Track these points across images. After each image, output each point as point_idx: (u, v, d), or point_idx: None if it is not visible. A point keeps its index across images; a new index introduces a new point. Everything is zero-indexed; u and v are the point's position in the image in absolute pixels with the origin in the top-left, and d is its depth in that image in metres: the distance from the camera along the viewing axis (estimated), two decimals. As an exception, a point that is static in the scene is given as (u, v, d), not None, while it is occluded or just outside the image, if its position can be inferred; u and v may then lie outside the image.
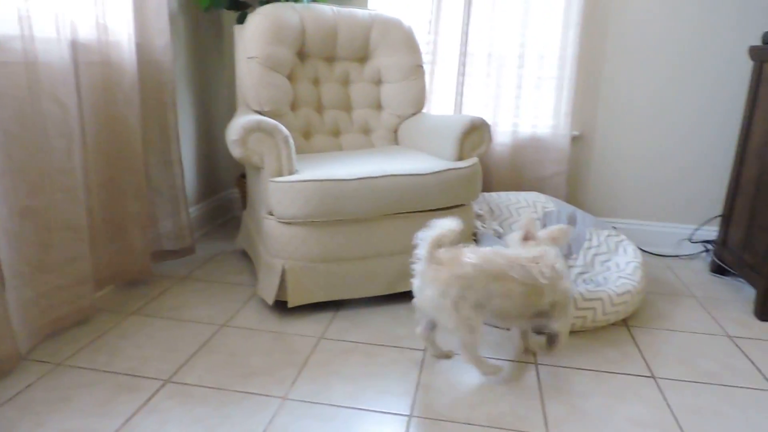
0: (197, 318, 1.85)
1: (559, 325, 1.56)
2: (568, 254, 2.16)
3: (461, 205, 2.01)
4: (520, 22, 2.48)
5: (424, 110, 2.46)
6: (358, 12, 2.33)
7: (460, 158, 2.02)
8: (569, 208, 2.30)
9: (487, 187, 2.62)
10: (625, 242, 2.13)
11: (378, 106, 2.44)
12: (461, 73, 2.54)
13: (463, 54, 2.52)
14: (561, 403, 1.46)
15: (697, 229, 2.62)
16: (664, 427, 1.38)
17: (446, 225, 1.44)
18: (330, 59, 2.37)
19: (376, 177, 1.81)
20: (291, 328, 1.80)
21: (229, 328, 1.79)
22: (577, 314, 1.77)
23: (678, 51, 2.48)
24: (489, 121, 2.50)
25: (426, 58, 2.53)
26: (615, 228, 2.37)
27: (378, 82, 2.43)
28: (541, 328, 1.63)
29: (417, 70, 2.38)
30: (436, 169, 1.90)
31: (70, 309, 1.71)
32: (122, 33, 1.84)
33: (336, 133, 2.38)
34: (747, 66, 2.42)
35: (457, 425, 1.36)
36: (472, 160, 2.02)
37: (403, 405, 1.43)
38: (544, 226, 2.21)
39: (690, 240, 2.63)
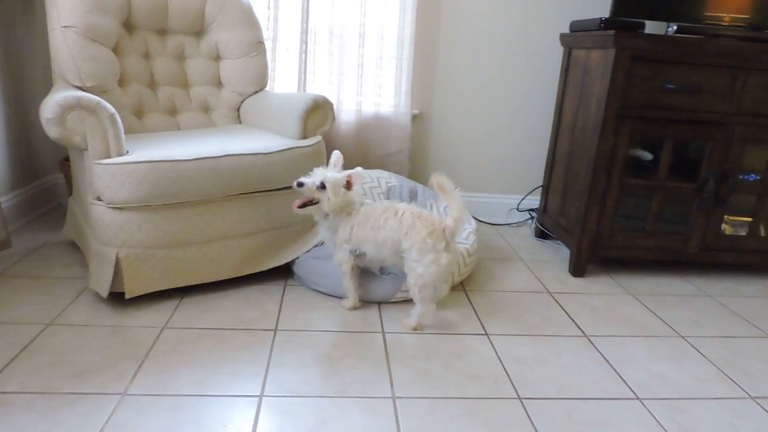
0: (17, 319, 1.65)
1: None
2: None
3: (307, 183, 2.01)
4: (360, 0, 2.51)
5: (267, 88, 2.41)
6: (191, -18, 2.20)
7: (304, 137, 2.02)
8: (411, 183, 2.41)
9: (335, 166, 2.65)
10: (462, 213, 2.30)
11: (218, 83, 2.34)
12: (303, 51, 2.52)
13: (305, 31, 2.50)
14: (405, 366, 1.55)
15: (522, 199, 2.91)
16: (495, 377, 1.53)
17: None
18: (162, 32, 2.22)
19: (217, 157, 1.75)
20: (130, 320, 1.69)
21: (56, 326, 1.63)
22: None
23: (504, 39, 2.70)
24: (333, 100, 2.53)
25: (267, 34, 2.47)
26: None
27: (216, 58, 2.32)
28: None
29: (258, 46, 2.31)
30: (280, 148, 1.88)
31: None
32: None
33: (173, 111, 2.25)
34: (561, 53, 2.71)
35: (308, 399, 1.38)
36: (316, 138, 2.03)
37: (254, 386, 1.42)
38: (387, 199, 2.30)
39: (517, 209, 2.92)
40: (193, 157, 1.71)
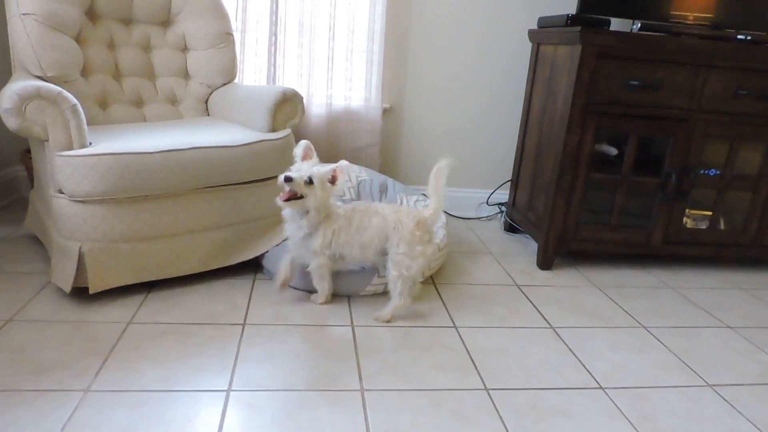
0: (-26, 315, 1.60)
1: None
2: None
3: (275, 177, 1.99)
4: (330, -7, 2.50)
5: (236, 80, 2.38)
6: (157, -29, 2.16)
7: (273, 130, 2.00)
8: (381, 177, 2.42)
9: (305, 159, 2.63)
10: (432, 207, 2.31)
11: (185, 75, 2.30)
12: (273, 43, 2.50)
13: (275, 23, 2.48)
14: (374, 359, 1.55)
15: (492, 193, 2.94)
16: (462, 368, 1.55)
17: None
18: (127, 21, 2.17)
19: (183, 149, 1.72)
20: (94, 315, 1.65)
21: (16, 322, 1.59)
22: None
23: (474, 34, 2.71)
24: (303, 93, 2.51)
25: (235, 25, 2.43)
26: (424, 194, 2.55)
27: (184, 49, 2.28)
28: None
29: (226, 37, 2.28)
30: (248, 141, 1.86)
31: None
32: None
33: (138, 103, 2.20)
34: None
35: (275, 393, 1.38)
36: (286, 132, 2.01)
37: (221, 380, 1.41)
38: (358, 193, 2.30)
39: (487, 203, 2.95)
40: (159, 150, 1.68)
